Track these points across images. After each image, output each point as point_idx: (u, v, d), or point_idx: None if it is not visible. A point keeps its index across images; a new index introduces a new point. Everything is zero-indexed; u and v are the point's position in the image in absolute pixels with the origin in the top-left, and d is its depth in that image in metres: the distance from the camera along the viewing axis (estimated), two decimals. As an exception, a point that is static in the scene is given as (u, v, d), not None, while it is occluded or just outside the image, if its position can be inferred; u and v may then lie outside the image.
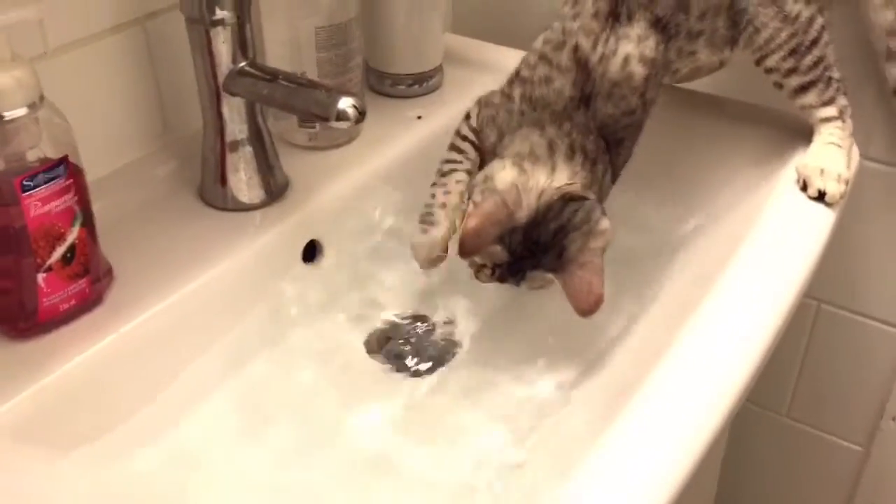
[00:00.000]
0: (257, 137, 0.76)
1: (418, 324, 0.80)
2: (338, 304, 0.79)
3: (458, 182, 0.75)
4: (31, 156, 0.60)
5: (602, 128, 0.70)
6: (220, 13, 0.69)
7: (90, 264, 0.65)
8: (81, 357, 0.62)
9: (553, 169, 0.67)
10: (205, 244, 0.72)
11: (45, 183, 0.60)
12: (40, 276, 0.62)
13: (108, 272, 0.68)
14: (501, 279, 0.69)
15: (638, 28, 0.70)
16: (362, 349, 0.77)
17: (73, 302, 0.64)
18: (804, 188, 0.75)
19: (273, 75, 0.72)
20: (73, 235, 0.63)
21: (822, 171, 0.75)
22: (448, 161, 0.76)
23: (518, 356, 0.75)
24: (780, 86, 0.77)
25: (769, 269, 0.70)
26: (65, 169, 0.61)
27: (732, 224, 0.79)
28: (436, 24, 0.93)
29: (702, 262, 0.77)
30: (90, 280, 0.65)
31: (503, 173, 0.67)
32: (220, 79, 0.72)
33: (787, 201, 0.76)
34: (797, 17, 0.74)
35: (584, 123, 0.70)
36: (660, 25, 0.71)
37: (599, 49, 0.70)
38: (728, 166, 0.85)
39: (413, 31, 0.91)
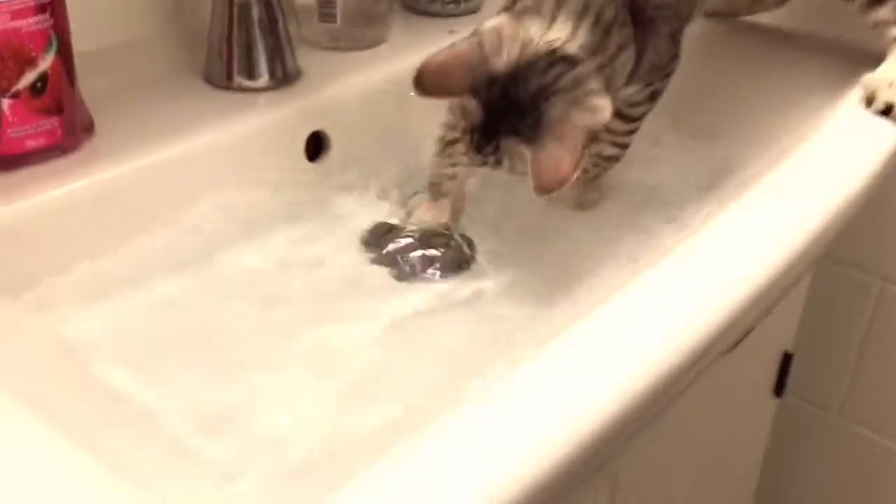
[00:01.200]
0: (269, 14, 0.71)
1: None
2: (333, 206, 0.72)
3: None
4: (8, -35, 0.55)
5: (633, 2, 0.62)
6: None
7: (64, 102, 0.59)
8: (39, 198, 0.57)
9: (551, 22, 0.58)
10: (195, 117, 0.67)
11: (18, -6, 0.55)
12: (5, 102, 0.57)
13: (90, 127, 0.63)
14: (478, 148, 0.60)
15: None
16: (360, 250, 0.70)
17: (41, 141, 0.59)
18: (869, 104, 0.67)
19: None
20: (45, 63, 0.58)
21: (890, 84, 0.66)
22: (451, 127, 0.68)
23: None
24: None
25: (812, 179, 0.61)
26: (42, -16, 0.56)
27: (783, 148, 0.70)
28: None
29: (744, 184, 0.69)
30: (63, 121, 0.60)
31: (491, 20, 0.59)
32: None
33: (846, 118, 0.67)
34: None
35: None
36: None
37: None
38: (788, 96, 0.76)
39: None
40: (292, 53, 0.74)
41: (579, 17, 0.59)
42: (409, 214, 0.71)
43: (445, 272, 0.66)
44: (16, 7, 0.55)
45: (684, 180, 0.74)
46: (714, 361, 0.52)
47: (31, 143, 0.59)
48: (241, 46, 0.71)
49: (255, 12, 0.70)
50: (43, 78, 0.58)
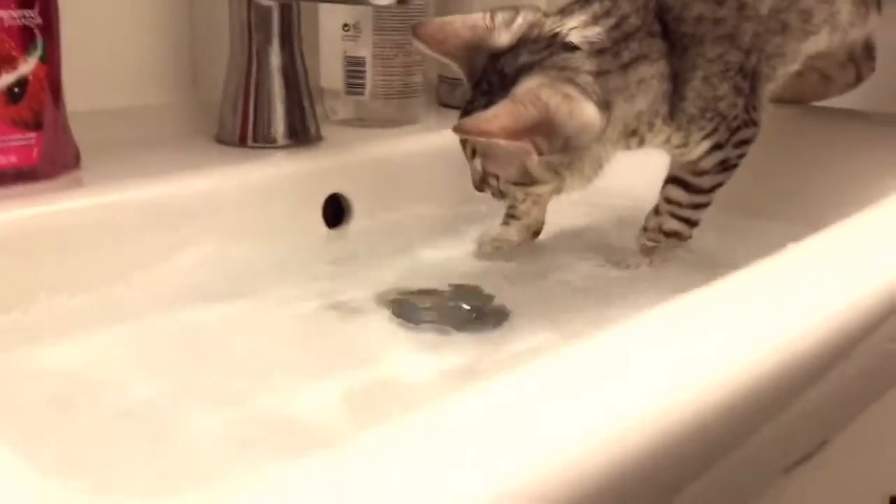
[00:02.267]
0: (290, 66, 0.64)
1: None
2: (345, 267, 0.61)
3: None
4: (-4, -48, 0.49)
5: (664, 11, 0.55)
6: None
7: (44, 118, 0.51)
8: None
9: (565, 15, 0.53)
10: (194, 166, 0.59)
11: (2, -19, 0.49)
12: (-26, 104, 0.49)
13: (75, 160, 0.55)
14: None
15: None
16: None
17: (12, 158, 0.51)
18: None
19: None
20: (27, 67, 0.50)
21: None
22: None
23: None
24: None
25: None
26: (31, -24, 0.50)
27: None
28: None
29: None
30: (41, 140, 0.51)
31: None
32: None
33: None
34: None
35: (644, 2, 0.55)
36: None
37: None
38: (871, 177, 0.67)
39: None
40: (314, 116, 0.66)
41: (598, 17, 0.53)
42: (481, 244, 0.64)
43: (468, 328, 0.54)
44: (-2, -6, 0.48)
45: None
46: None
47: (0, 160, 0.50)
48: (258, 102, 0.64)
49: (275, 67, 0.64)
50: (22, 83, 0.50)
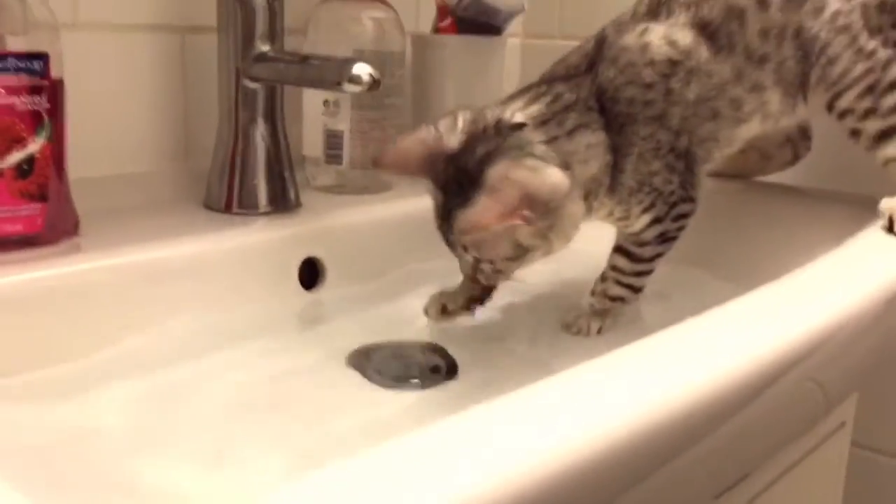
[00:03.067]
0: (273, 143, 0.71)
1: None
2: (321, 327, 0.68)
3: None
4: (13, 45, 0.56)
5: (600, 93, 0.61)
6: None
7: (49, 190, 0.58)
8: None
9: (506, 102, 0.60)
10: (183, 231, 0.65)
11: (16, 71, 0.55)
12: (-13, 179, 0.55)
13: (74, 227, 0.61)
14: (442, 232, 0.60)
15: (674, 20, 0.64)
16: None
17: (18, 227, 0.57)
18: (890, 228, 0.63)
19: (292, 56, 0.68)
20: (35, 146, 0.57)
21: (908, 205, 0.63)
22: None
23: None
24: (857, 133, 0.67)
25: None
26: (42, 66, 0.56)
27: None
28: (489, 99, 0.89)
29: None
30: (45, 210, 0.58)
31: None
32: (242, 61, 0.68)
33: (867, 242, 0.63)
34: (872, 53, 0.66)
35: (578, 83, 0.62)
36: (707, 31, 0.64)
37: (623, 29, 0.65)
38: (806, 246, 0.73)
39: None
40: (294, 185, 0.73)
41: (535, 98, 0.60)
42: (426, 311, 0.67)
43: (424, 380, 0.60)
44: (12, 84, 0.55)
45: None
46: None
47: (7, 228, 0.56)
48: (242, 173, 0.70)
49: (259, 142, 0.70)
50: (30, 160, 0.56)
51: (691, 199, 0.66)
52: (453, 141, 0.58)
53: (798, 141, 0.80)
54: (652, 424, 0.38)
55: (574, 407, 0.38)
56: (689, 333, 0.48)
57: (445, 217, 0.58)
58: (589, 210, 0.62)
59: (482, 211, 0.54)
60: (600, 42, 0.64)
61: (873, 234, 0.64)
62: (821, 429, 0.75)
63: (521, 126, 0.58)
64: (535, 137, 0.58)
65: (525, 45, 1.07)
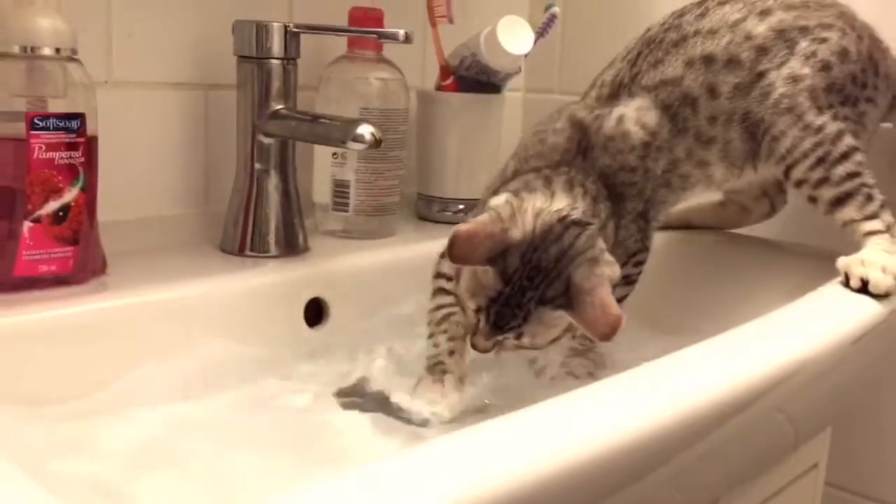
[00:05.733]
0: (284, 190, 0.77)
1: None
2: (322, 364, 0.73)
3: (458, 325, 0.69)
4: (53, 106, 0.63)
5: (601, 177, 0.69)
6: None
7: (81, 235, 0.64)
8: (31, 316, 0.60)
9: (552, 196, 0.64)
10: (201, 273, 0.71)
11: (56, 130, 0.62)
12: (26, 225, 0.62)
13: (102, 268, 0.68)
14: (498, 323, 0.60)
15: (640, 101, 0.72)
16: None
17: (52, 267, 0.63)
18: (847, 283, 0.68)
19: (304, 115, 0.75)
20: (70, 195, 0.63)
21: (862, 262, 0.68)
22: (438, 307, 0.70)
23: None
24: (814, 200, 0.72)
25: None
26: (79, 125, 0.63)
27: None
28: (488, 152, 0.95)
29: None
30: (77, 252, 0.64)
31: (496, 198, 0.64)
32: (258, 118, 0.75)
33: (827, 296, 0.68)
34: (820, 128, 0.71)
35: (583, 168, 0.69)
36: (668, 112, 0.72)
37: (595, 113, 0.72)
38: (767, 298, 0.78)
39: (465, 156, 0.94)
40: (303, 230, 0.79)
41: (570, 189, 0.66)
42: (413, 396, 0.68)
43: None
44: (52, 140, 0.62)
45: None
46: None
47: (43, 268, 0.63)
48: (255, 219, 0.77)
49: (272, 191, 0.77)
50: (65, 208, 0.63)
51: (647, 249, 0.74)
52: (517, 234, 0.60)
53: (774, 195, 0.85)
54: (619, 446, 0.44)
55: (545, 432, 0.44)
56: (659, 368, 0.54)
57: (518, 306, 0.60)
58: None
59: (606, 310, 0.58)
60: (578, 124, 0.72)
61: (832, 288, 0.69)
62: (793, 468, 0.80)
63: (583, 223, 0.62)
64: (594, 231, 0.63)
65: (526, 98, 1.14)
